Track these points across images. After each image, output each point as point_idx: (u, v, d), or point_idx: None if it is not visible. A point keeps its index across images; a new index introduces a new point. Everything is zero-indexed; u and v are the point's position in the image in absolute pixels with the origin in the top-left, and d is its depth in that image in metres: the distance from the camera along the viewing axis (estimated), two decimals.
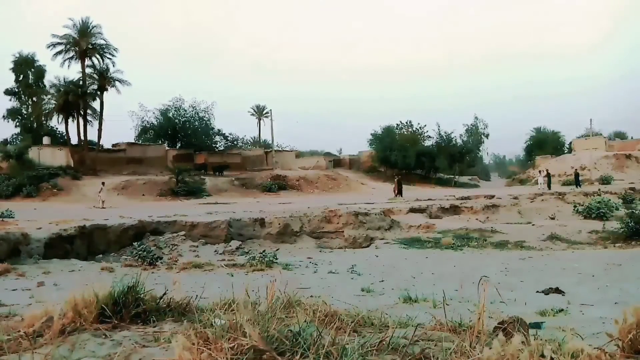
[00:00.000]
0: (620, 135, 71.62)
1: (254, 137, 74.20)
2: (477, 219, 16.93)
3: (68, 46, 38.99)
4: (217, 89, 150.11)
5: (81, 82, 38.52)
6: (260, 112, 75.24)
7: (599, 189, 24.58)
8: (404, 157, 49.58)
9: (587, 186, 32.78)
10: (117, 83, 39.75)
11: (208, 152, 45.51)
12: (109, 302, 2.04)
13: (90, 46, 38.95)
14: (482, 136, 57.05)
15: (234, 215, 13.11)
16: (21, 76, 45.97)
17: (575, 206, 18.09)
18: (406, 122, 56.18)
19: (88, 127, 39.15)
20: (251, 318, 1.74)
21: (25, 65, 45.45)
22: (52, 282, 5.62)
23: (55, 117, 39.60)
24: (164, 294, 2.27)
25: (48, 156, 37.24)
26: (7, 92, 46.36)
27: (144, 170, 39.15)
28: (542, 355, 1.42)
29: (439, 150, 53.20)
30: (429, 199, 21.67)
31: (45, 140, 40.22)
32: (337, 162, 58.30)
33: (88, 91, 38.41)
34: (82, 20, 38.96)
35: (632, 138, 62.04)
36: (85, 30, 38.80)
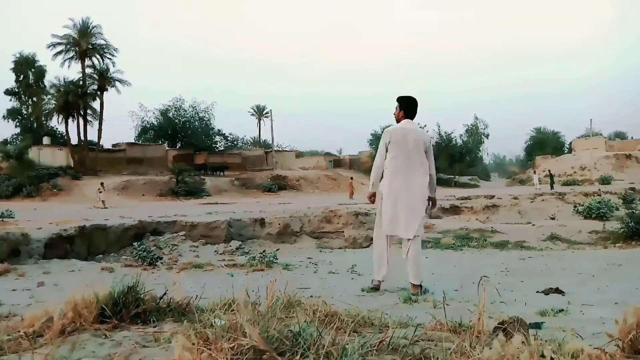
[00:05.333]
0: (621, 135, 71.70)
1: (254, 137, 74.27)
2: (477, 219, 16.93)
3: (68, 46, 39.03)
4: (217, 89, 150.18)
5: (81, 82, 38.55)
6: (260, 112, 75.28)
7: (599, 189, 24.58)
8: None
9: (587, 186, 32.77)
10: (117, 83, 39.83)
11: (208, 152, 45.53)
12: (109, 302, 2.04)
13: (90, 46, 38.99)
14: (482, 136, 57.03)
15: (234, 215, 13.10)
16: (21, 76, 46.04)
17: (575, 206, 18.08)
18: None
19: (88, 127, 39.21)
20: (251, 318, 1.74)
21: (25, 66, 45.53)
22: (52, 282, 5.61)
23: (55, 117, 39.65)
24: (164, 294, 2.27)
25: (48, 156, 37.28)
26: (8, 92, 46.43)
27: (144, 170, 39.17)
28: (542, 356, 1.42)
29: (439, 150, 53.16)
30: None
31: (46, 140, 40.25)
32: (337, 162, 58.32)
33: (88, 91, 38.44)
34: (82, 21, 39.04)
35: (632, 138, 62.09)
36: (85, 31, 38.84)
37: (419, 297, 4.12)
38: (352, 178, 35.19)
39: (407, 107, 4.83)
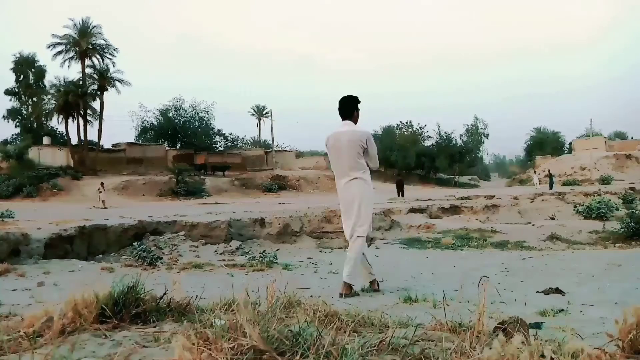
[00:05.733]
0: (621, 135, 71.74)
1: (254, 137, 74.29)
2: (477, 219, 16.92)
3: (68, 46, 39.06)
4: (217, 89, 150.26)
5: (81, 82, 38.56)
6: (260, 112, 75.31)
7: (599, 189, 24.57)
8: (404, 157, 49.61)
9: (587, 186, 32.78)
10: (117, 83, 39.86)
11: (208, 152, 45.52)
12: (109, 302, 2.04)
13: (90, 46, 39.01)
14: (482, 136, 57.05)
15: (234, 215, 13.10)
16: (21, 76, 46.02)
17: (575, 206, 18.08)
18: (406, 122, 56.33)
19: (88, 127, 39.23)
20: (251, 318, 1.74)
21: (25, 66, 45.51)
22: (52, 282, 5.60)
23: (55, 117, 39.71)
24: (164, 294, 2.27)
25: (48, 156, 37.27)
26: (8, 92, 46.41)
27: (144, 170, 39.18)
28: (542, 355, 1.42)
29: (439, 150, 53.24)
30: (429, 199, 21.67)
31: (46, 140, 40.25)
32: None
33: (88, 91, 38.46)
34: (83, 20, 39.08)
35: (632, 138, 62.13)
36: (85, 31, 38.86)
37: (419, 297, 4.11)
38: None
39: (340, 109, 4.78)
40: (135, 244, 8.71)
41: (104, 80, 38.91)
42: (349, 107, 4.74)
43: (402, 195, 27.91)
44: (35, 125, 45.93)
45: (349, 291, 4.47)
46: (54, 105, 38.37)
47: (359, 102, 4.80)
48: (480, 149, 58.38)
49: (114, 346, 1.76)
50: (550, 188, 30.02)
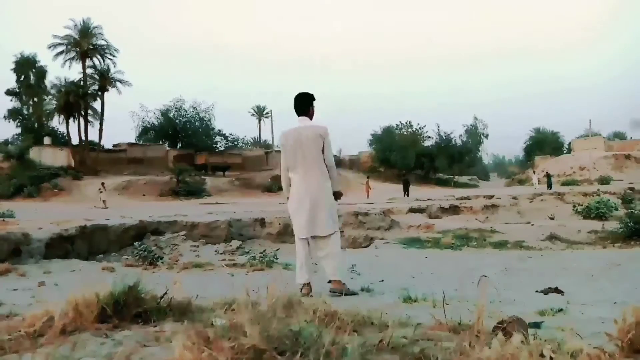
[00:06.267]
0: (620, 136, 71.64)
1: (254, 138, 74.27)
2: (476, 219, 16.93)
3: (69, 47, 39.11)
4: (218, 89, 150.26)
5: (82, 83, 38.62)
6: (260, 112, 75.31)
7: (598, 189, 24.57)
8: (403, 157, 49.58)
9: (587, 186, 32.78)
10: (118, 83, 39.90)
11: (209, 152, 45.48)
12: (109, 301, 2.05)
13: (91, 47, 39.07)
14: (482, 136, 57.03)
15: (234, 215, 13.11)
16: (22, 77, 45.99)
17: (574, 206, 18.09)
18: (406, 123, 56.23)
19: (89, 127, 39.27)
20: (251, 318, 1.75)
21: (26, 66, 45.50)
22: (53, 282, 5.61)
23: (56, 118, 39.81)
24: (165, 293, 2.28)
25: (49, 156, 37.27)
26: (9, 92, 46.39)
27: (144, 170, 39.18)
28: (542, 355, 1.43)
29: (438, 150, 53.17)
30: (428, 199, 21.69)
31: (46, 140, 40.27)
32: (336, 162, 58.11)
33: (89, 91, 38.54)
34: (83, 21, 39.13)
35: (631, 138, 62.06)
36: (86, 31, 38.92)
37: (418, 297, 4.12)
38: (368, 177, 35.82)
39: (295, 106, 4.69)
40: (136, 243, 8.71)
41: (105, 80, 38.95)
42: (305, 103, 4.67)
43: (408, 195, 28.05)
44: (36, 125, 45.93)
45: (341, 286, 4.40)
46: (54, 106, 38.43)
47: (314, 99, 4.75)
48: (480, 149, 58.40)
49: (114, 346, 1.76)
50: (549, 188, 30.03)
